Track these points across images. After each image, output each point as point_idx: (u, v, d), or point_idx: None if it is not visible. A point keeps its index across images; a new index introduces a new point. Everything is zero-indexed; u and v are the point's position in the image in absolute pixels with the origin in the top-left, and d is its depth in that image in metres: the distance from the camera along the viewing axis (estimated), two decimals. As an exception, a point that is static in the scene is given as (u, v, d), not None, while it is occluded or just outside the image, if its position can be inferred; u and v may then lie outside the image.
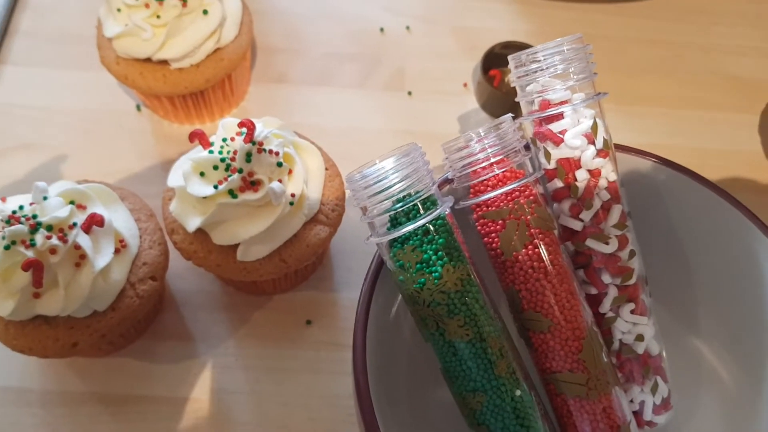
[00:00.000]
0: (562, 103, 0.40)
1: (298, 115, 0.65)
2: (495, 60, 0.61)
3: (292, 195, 0.46)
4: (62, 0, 0.70)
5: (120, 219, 0.47)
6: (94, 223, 0.43)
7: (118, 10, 0.54)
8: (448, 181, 0.42)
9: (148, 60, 0.55)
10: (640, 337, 0.42)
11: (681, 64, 0.71)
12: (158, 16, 0.53)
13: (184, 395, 0.51)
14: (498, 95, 0.59)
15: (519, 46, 0.61)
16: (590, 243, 0.41)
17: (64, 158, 0.61)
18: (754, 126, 0.67)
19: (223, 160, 0.44)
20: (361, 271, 0.41)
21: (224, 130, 0.46)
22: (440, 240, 0.36)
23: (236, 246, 0.46)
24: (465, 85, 0.68)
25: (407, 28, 0.72)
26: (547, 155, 0.41)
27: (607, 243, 0.41)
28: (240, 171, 0.44)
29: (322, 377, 0.52)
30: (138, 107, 0.64)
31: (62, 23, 0.69)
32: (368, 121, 0.65)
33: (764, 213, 0.44)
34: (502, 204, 0.39)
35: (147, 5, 0.53)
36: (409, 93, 0.67)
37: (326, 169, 0.50)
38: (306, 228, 0.48)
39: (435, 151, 0.41)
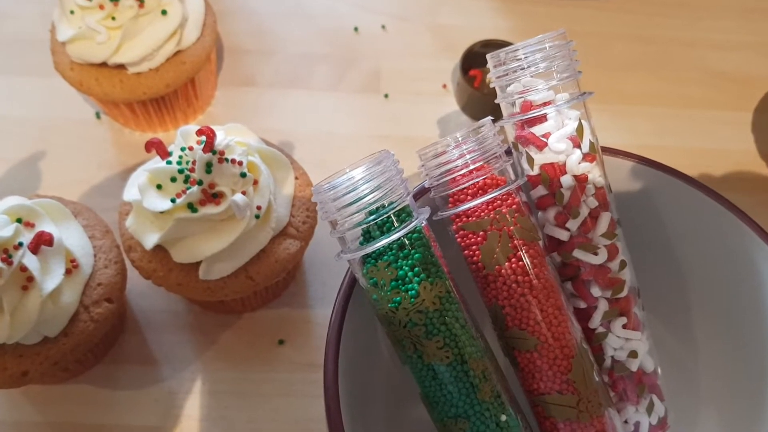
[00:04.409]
0: (545, 104, 0.38)
1: (269, 119, 0.62)
2: (475, 59, 0.59)
3: (258, 207, 0.43)
4: (18, 3, 0.67)
5: (72, 237, 0.44)
6: (42, 242, 0.41)
7: (72, 12, 0.51)
8: (425, 190, 0.40)
9: (103, 64, 0.52)
10: (633, 354, 0.40)
11: (667, 60, 0.70)
12: (113, 18, 0.51)
13: (147, 423, 0.48)
14: (479, 96, 0.57)
15: (499, 45, 0.59)
16: (578, 254, 0.39)
17: (19, 170, 0.58)
18: (744, 123, 0.66)
19: (181, 171, 0.41)
20: (337, 286, 0.38)
21: (183, 138, 0.43)
22: (416, 255, 0.34)
23: (198, 264, 0.43)
24: (444, 86, 0.66)
25: (383, 27, 0.69)
26: (530, 161, 0.39)
27: (595, 253, 0.39)
28: (200, 183, 0.41)
29: (297, 401, 0.50)
30: (97, 115, 0.61)
31: (17, 28, 0.66)
32: (343, 126, 0.63)
33: (760, 214, 0.42)
34: (482, 214, 0.37)
35: (101, 6, 0.50)
36: (386, 95, 0.65)
37: (296, 178, 0.48)
38: (274, 242, 0.45)
39: (414, 157, 0.38)
